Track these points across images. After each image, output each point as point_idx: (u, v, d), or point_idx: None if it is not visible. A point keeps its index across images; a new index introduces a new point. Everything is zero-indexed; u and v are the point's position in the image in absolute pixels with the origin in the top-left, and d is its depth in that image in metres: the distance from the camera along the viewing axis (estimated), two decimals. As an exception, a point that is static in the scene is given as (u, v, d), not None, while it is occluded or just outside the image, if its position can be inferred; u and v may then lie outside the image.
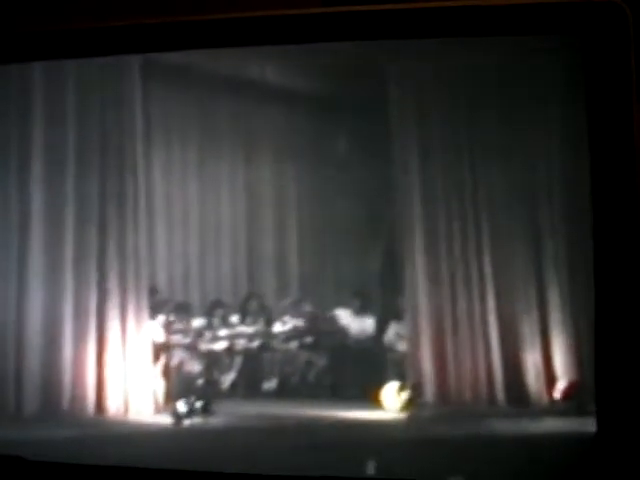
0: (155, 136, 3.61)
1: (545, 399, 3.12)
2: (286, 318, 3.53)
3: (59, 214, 3.30)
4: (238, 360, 3.51)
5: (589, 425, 2.13)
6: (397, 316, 3.38)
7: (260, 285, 3.74)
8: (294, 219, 3.79)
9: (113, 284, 3.41)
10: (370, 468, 2.42)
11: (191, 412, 3.12)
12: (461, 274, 3.34)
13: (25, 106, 3.20)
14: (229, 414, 3.17)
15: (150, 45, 2.16)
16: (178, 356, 3.43)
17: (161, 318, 3.44)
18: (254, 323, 3.56)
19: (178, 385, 3.40)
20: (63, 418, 3.25)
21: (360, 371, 3.34)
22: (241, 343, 3.54)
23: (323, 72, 3.37)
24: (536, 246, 3.21)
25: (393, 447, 2.68)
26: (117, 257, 3.44)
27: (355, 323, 3.51)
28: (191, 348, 3.45)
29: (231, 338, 3.51)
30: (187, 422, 3.10)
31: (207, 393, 3.27)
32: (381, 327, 3.41)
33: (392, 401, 3.12)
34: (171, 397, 3.28)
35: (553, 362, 3.15)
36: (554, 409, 3.00)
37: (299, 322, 3.52)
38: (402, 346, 3.37)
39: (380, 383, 3.11)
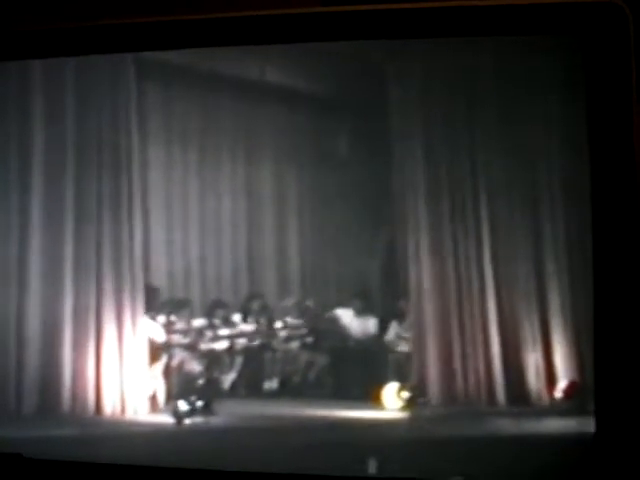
0: (155, 135, 3.61)
1: (546, 399, 3.12)
2: (287, 318, 3.53)
3: (59, 213, 3.31)
4: (239, 360, 3.51)
5: (589, 425, 2.13)
6: (398, 316, 3.39)
7: (261, 285, 3.74)
8: (295, 218, 3.80)
9: (113, 285, 3.41)
10: (371, 468, 2.42)
11: (192, 412, 3.12)
12: (462, 275, 3.34)
13: (24, 104, 3.20)
14: (230, 414, 3.17)
15: (149, 43, 2.16)
16: (179, 356, 3.43)
17: (162, 318, 3.44)
18: (255, 323, 3.56)
19: (179, 385, 3.41)
20: (63, 417, 3.25)
21: (361, 371, 3.34)
22: (242, 343, 3.54)
23: (323, 72, 3.37)
24: (537, 247, 3.20)
25: (394, 447, 2.68)
26: (117, 258, 3.44)
27: (356, 323, 3.51)
28: (192, 348, 3.46)
29: (232, 338, 3.52)
30: (188, 422, 3.10)
31: (208, 393, 3.27)
32: (382, 327, 3.41)
33: (393, 401, 3.12)
34: (172, 397, 3.28)
35: (554, 362, 3.15)
36: (555, 409, 2.99)
37: (300, 322, 3.52)
38: (403, 346, 3.37)
39: (381, 383, 3.11)
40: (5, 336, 3.11)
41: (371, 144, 3.34)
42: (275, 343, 3.54)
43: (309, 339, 3.52)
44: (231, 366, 3.49)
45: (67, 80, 3.25)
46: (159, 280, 3.56)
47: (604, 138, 2.01)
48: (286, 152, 3.67)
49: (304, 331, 3.51)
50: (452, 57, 2.77)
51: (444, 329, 3.33)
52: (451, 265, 3.36)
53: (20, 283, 3.25)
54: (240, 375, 3.48)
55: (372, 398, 3.08)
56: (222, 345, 3.50)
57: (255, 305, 3.59)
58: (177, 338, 3.44)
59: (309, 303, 3.52)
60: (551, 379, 3.11)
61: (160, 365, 3.39)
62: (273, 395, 3.40)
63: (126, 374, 3.35)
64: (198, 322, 3.49)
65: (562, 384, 3.06)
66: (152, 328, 3.41)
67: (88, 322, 3.35)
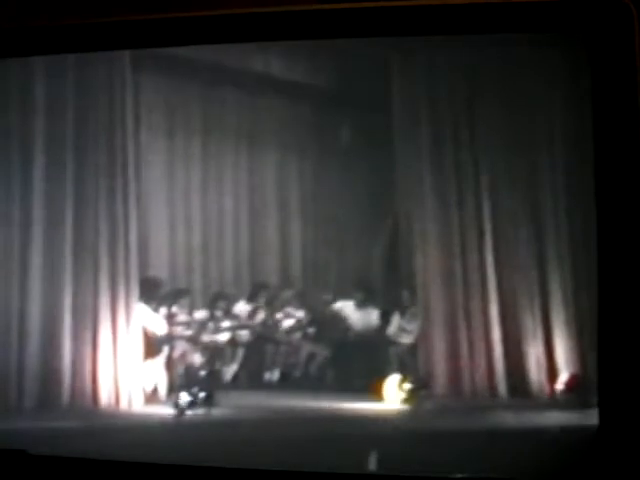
0: (158, 128, 3.61)
1: (548, 392, 3.13)
2: (289, 310, 3.54)
3: (60, 211, 3.31)
4: (240, 352, 3.51)
5: (590, 417, 2.14)
6: (400, 308, 3.40)
7: (263, 277, 3.74)
8: (297, 210, 3.80)
9: (115, 279, 3.40)
10: (372, 460, 2.43)
11: (194, 403, 3.13)
12: (465, 269, 3.35)
13: (25, 98, 3.20)
14: (231, 405, 3.18)
15: (149, 42, 2.17)
16: (181, 348, 3.44)
17: (163, 310, 3.45)
18: (257, 315, 3.56)
19: (181, 376, 3.41)
20: (65, 411, 3.24)
21: (362, 363, 3.34)
22: (244, 334, 3.55)
23: (326, 66, 3.38)
24: (540, 241, 3.22)
25: (395, 439, 2.69)
26: (116, 255, 3.43)
27: (358, 315, 3.51)
28: (194, 340, 3.46)
29: (234, 329, 3.52)
30: (190, 413, 3.11)
31: (210, 384, 3.27)
32: (384, 319, 3.42)
33: (394, 393, 3.14)
34: (174, 388, 3.29)
35: (556, 355, 3.17)
36: (557, 401, 3.01)
37: (302, 314, 3.53)
38: (405, 338, 3.39)
39: (383, 375, 3.13)
40: (7, 331, 3.12)
41: (374, 136, 3.35)
42: (277, 335, 3.55)
43: (311, 331, 3.53)
44: (233, 358, 3.50)
45: (68, 71, 3.24)
46: (161, 272, 3.56)
47: (610, 133, 2.02)
48: (289, 143, 3.68)
49: (306, 323, 3.52)
50: (461, 53, 2.78)
51: (447, 323, 3.34)
52: (455, 260, 3.37)
53: (21, 284, 3.25)
54: (242, 367, 3.49)
55: (374, 390, 3.09)
56: (224, 337, 3.51)
57: (257, 297, 3.60)
58: (179, 330, 3.45)
59: (311, 295, 3.53)
60: (553, 372, 3.13)
61: (162, 357, 3.40)
62: (274, 387, 3.41)
63: (128, 367, 3.35)
64: (200, 314, 3.50)
65: (564, 377, 3.08)
66: (154, 320, 3.42)
67: (89, 316, 3.34)
